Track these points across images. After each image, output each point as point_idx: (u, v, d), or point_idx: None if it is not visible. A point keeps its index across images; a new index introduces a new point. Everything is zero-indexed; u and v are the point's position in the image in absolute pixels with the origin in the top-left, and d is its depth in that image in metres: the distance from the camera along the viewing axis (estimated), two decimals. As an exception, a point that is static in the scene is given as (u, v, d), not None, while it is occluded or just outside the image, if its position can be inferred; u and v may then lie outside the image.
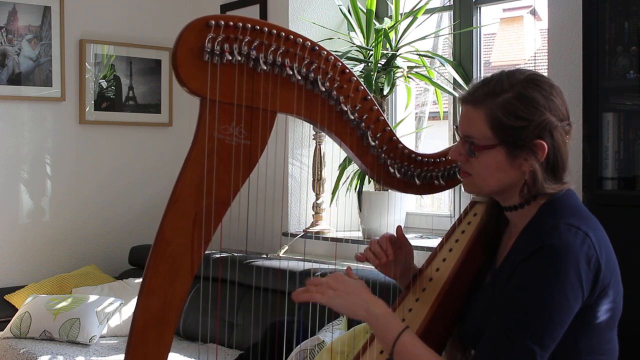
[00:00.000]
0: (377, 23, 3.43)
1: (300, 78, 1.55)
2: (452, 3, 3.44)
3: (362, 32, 3.47)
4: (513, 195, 1.50)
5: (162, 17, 4.43)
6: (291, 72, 1.53)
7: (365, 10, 3.46)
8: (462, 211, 1.82)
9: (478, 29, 3.38)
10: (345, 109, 1.61)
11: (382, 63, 3.36)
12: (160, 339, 1.46)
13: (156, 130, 4.42)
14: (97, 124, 4.21)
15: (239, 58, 1.48)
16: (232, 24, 1.47)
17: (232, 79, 1.49)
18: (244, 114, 1.50)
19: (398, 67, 3.35)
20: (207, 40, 1.45)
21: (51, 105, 4.05)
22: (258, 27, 1.49)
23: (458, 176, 1.74)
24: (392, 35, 3.40)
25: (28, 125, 4.01)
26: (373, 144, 1.66)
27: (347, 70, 1.60)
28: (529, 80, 1.46)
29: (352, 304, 1.49)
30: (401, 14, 3.40)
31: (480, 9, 3.39)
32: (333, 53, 1.60)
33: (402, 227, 3.42)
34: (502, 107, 1.44)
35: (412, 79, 3.39)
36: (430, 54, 3.44)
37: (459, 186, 1.81)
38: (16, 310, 3.65)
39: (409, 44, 3.43)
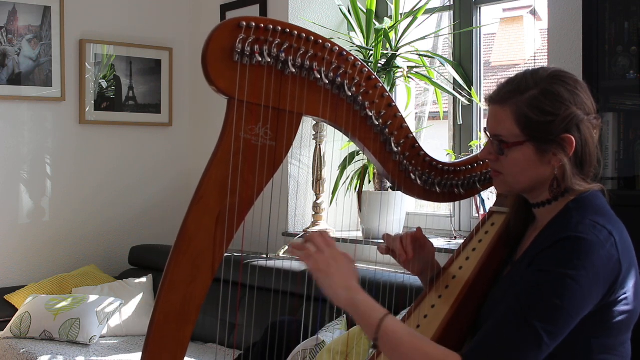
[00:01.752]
0: (377, 23, 3.43)
1: (327, 82, 1.57)
2: (452, 3, 3.44)
3: (362, 32, 3.47)
4: (543, 191, 1.52)
5: (162, 17, 4.43)
6: (319, 76, 1.56)
7: (365, 10, 3.46)
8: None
9: (478, 29, 3.38)
10: (370, 114, 1.63)
11: (382, 63, 3.36)
12: (179, 334, 1.48)
13: (156, 130, 4.42)
14: (97, 124, 4.21)
15: (268, 60, 1.50)
16: (262, 25, 1.49)
17: (260, 80, 1.51)
18: (271, 116, 1.52)
19: (398, 67, 3.35)
20: (237, 41, 1.47)
21: (51, 105, 4.05)
22: (288, 30, 1.52)
23: (477, 185, 1.77)
24: (392, 35, 3.40)
25: (28, 125, 4.01)
26: (396, 150, 1.68)
27: (373, 77, 1.62)
28: (553, 76, 1.48)
29: (336, 286, 1.48)
30: (401, 14, 3.40)
31: (480, 9, 3.39)
32: (360, 59, 1.61)
33: (402, 227, 3.44)
34: (528, 103, 1.46)
35: (412, 79, 3.39)
36: (430, 54, 3.44)
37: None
38: (16, 310, 3.65)
39: (409, 44, 3.43)
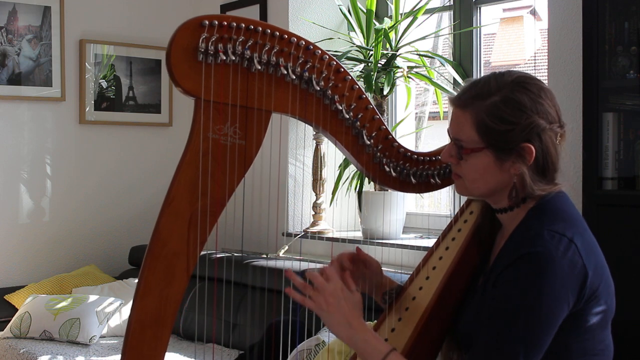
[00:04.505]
0: (377, 23, 3.43)
1: (294, 77, 1.55)
2: (452, 3, 3.44)
3: (362, 32, 3.47)
4: (503, 197, 1.50)
5: (162, 17, 4.43)
6: (285, 72, 1.53)
7: (365, 10, 3.46)
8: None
9: (478, 29, 3.38)
10: (340, 107, 1.61)
11: (382, 63, 3.36)
12: (157, 339, 1.47)
13: (156, 130, 4.42)
14: (97, 124, 4.21)
15: (233, 58, 1.49)
16: (225, 23, 1.47)
17: (226, 79, 1.49)
18: (239, 114, 1.50)
19: (398, 67, 3.35)
20: (200, 40, 1.46)
21: (51, 105, 4.05)
22: (252, 27, 1.50)
23: None
24: (392, 35, 3.40)
25: (28, 125, 4.01)
26: (368, 142, 1.66)
27: (342, 69, 1.60)
28: (516, 83, 1.45)
29: (337, 324, 1.48)
30: (401, 14, 3.40)
31: (480, 9, 3.39)
32: (328, 52, 1.59)
33: (402, 227, 3.44)
34: (488, 110, 1.44)
35: (412, 79, 3.39)
36: (430, 54, 3.44)
37: (457, 186, 1.81)
38: (16, 310, 3.65)
39: (409, 44, 3.43)
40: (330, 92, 1.59)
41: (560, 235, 1.38)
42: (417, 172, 1.72)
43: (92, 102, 4.16)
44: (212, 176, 1.48)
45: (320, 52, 1.57)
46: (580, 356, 1.41)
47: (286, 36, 1.53)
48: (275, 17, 3.87)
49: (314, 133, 3.64)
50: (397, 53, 3.38)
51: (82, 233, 4.17)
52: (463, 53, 3.39)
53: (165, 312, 1.46)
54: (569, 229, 1.40)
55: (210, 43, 1.46)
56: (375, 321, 2.45)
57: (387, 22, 3.37)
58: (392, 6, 3.46)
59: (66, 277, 3.88)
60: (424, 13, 3.39)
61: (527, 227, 1.43)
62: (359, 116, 1.63)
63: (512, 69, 1.56)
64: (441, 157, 1.58)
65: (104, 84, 4.20)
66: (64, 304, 3.53)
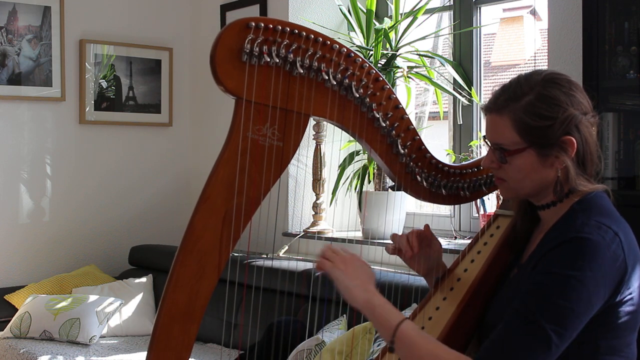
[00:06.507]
0: (377, 23, 3.43)
1: (335, 83, 1.58)
2: (452, 3, 3.44)
3: (362, 32, 3.47)
4: (548, 194, 1.52)
5: (162, 17, 4.43)
6: (326, 77, 1.56)
7: (365, 10, 3.47)
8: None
9: (478, 29, 3.38)
10: (377, 116, 1.64)
11: (382, 63, 3.36)
12: (185, 333, 1.49)
13: (156, 130, 4.42)
14: (97, 124, 4.21)
15: (277, 60, 1.51)
16: (271, 26, 1.50)
17: (268, 81, 1.52)
18: (278, 116, 1.53)
19: (398, 67, 3.35)
20: (246, 42, 1.48)
21: (51, 105, 4.05)
22: (296, 31, 1.53)
23: (483, 188, 1.78)
24: (392, 35, 3.40)
25: (28, 125, 4.01)
26: (402, 152, 1.68)
27: (380, 78, 1.63)
28: (546, 80, 1.48)
29: (354, 287, 1.49)
30: (401, 14, 3.40)
31: (480, 9, 3.39)
32: (367, 61, 1.61)
33: (402, 227, 3.44)
34: (525, 109, 1.46)
35: (412, 79, 3.39)
36: (430, 54, 3.44)
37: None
38: (16, 310, 3.65)
39: (409, 44, 3.43)
40: (368, 100, 1.62)
41: (607, 227, 1.41)
42: (447, 184, 1.75)
43: (92, 102, 4.16)
44: (249, 175, 1.50)
45: (360, 60, 1.60)
46: (606, 354, 1.43)
47: (329, 42, 1.56)
48: (274, 17, 3.87)
49: (314, 133, 3.64)
50: (397, 53, 3.38)
51: (82, 233, 4.17)
52: (463, 53, 3.40)
53: (194, 307, 1.49)
54: (614, 224, 1.43)
55: (255, 44, 1.48)
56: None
57: (387, 22, 3.38)
58: (392, 6, 3.46)
59: (66, 277, 3.88)
60: (424, 13, 3.39)
61: (574, 217, 1.45)
62: (395, 125, 1.66)
63: (537, 69, 1.60)
64: (482, 164, 1.63)
65: (104, 84, 4.20)
66: (64, 304, 3.54)
